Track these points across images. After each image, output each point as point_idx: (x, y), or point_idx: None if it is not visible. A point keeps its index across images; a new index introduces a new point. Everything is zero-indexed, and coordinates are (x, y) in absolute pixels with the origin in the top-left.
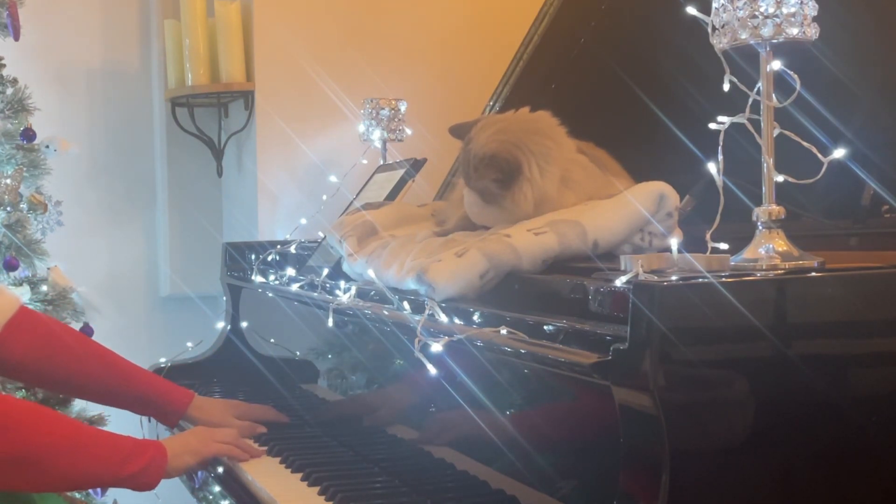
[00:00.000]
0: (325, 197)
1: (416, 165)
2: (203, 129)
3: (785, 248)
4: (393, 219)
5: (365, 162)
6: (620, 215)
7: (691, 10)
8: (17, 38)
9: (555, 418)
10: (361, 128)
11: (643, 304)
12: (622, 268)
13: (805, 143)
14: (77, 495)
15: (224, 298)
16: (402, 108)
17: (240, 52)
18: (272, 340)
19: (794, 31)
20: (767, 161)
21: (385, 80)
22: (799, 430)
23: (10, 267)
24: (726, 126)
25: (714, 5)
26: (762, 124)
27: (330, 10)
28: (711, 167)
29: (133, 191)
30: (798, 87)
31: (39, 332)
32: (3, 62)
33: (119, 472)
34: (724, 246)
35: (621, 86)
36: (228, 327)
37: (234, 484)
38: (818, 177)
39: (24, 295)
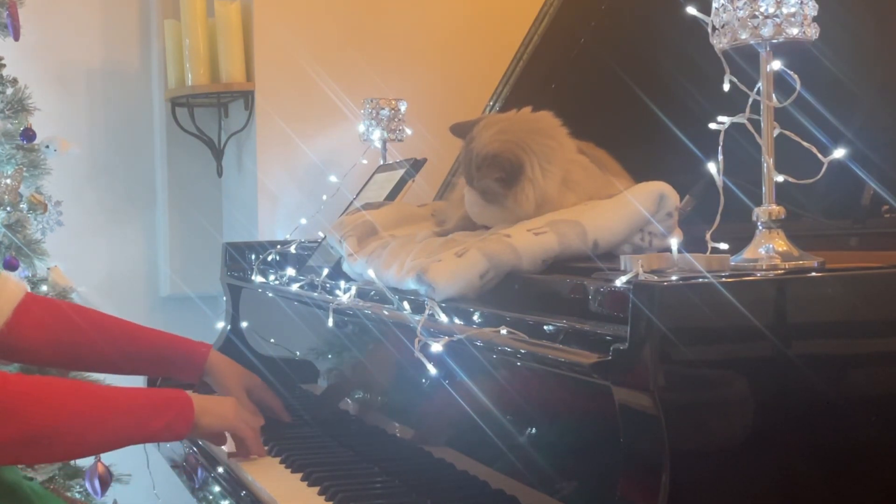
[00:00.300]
0: (325, 197)
1: (416, 165)
2: (203, 129)
3: (785, 248)
4: (393, 219)
5: (365, 162)
6: (620, 215)
7: (691, 10)
8: (17, 38)
9: (555, 418)
10: (361, 128)
11: (643, 304)
12: (622, 268)
13: (805, 143)
14: (77, 495)
15: (224, 298)
16: (402, 108)
17: (240, 52)
18: (272, 340)
19: (794, 31)
20: (767, 161)
21: (385, 80)
22: (799, 430)
23: (10, 267)
24: (726, 126)
25: (714, 5)
26: (762, 124)
27: (330, 10)
28: (711, 167)
29: (133, 191)
30: (798, 87)
31: (48, 313)
32: (3, 62)
33: (147, 429)
34: (724, 246)
35: (621, 86)
36: (228, 327)
37: (234, 484)
38: (818, 177)
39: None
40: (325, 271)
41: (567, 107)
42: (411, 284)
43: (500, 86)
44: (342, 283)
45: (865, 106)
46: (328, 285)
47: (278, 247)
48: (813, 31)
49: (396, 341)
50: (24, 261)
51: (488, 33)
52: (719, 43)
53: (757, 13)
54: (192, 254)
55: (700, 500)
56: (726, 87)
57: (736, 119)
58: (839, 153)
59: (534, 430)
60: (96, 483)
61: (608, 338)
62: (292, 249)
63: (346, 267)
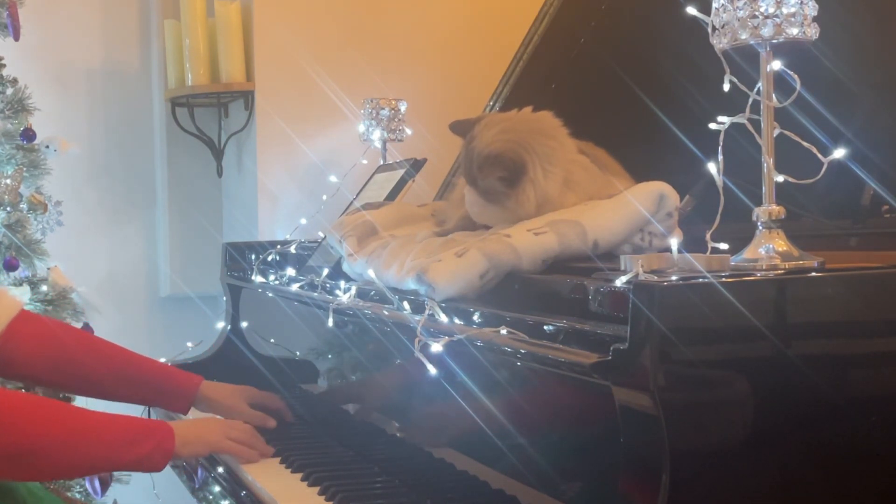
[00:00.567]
0: (325, 197)
1: (416, 165)
2: (203, 129)
3: (785, 248)
4: (393, 219)
5: (365, 162)
6: (620, 215)
7: (691, 10)
8: (17, 38)
9: (555, 418)
10: (361, 128)
11: (643, 304)
12: (622, 268)
13: (805, 143)
14: (77, 495)
15: (224, 298)
16: (402, 108)
17: (240, 52)
18: (272, 340)
19: (794, 31)
20: (767, 161)
21: (385, 80)
22: (799, 430)
23: (10, 267)
24: (726, 126)
25: (714, 5)
26: (762, 124)
27: (330, 10)
28: (711, 167)
29: (133, 191)
30: (798, 87)
31: (41, 332)
32: (3, 62)
33: (124, 457)
34: (724, 246)
35: (621, 86)
36: (228, 327)
37: (235, 484)
38: (818, 177)
39: (24, 295)
40: (325, 271)
41: (567, 107)
42: (411, 284)
43: (500, 86)
44: (342, 283)
45: (865, 106)
46: (328, 285)
47: (278, 247)
48: (813, 31)
49: (396, 341)
50: (24, 261)
51: (488, 33)
52: (719, 43)
53: (757, 13)
54: (192, 254)
55: (700, 500)
56: (726, 87)
57: (736, 119)
58: (839, 153)
59: (534, 430)
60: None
61: (608, 338)
62: (292, 249)
63: (346, 267)
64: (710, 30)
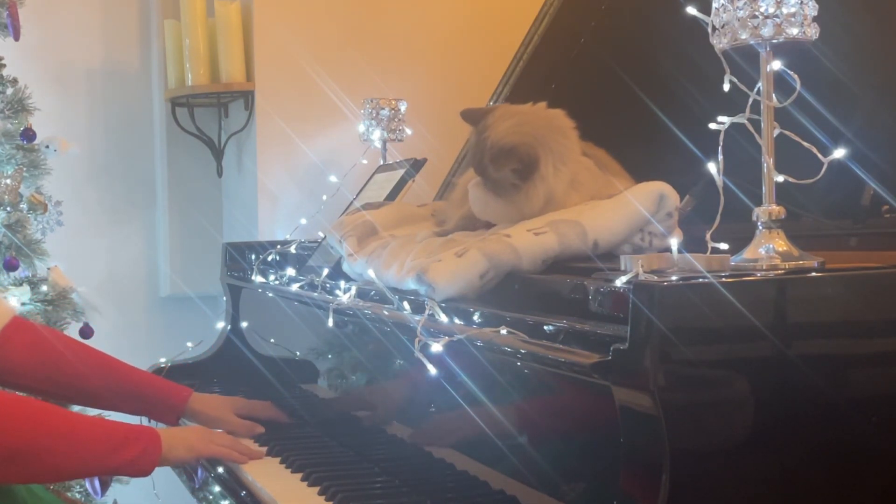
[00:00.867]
0: (325, 197)
1: (416, 165)
2: (203, 129)
3: (785, 248)
4: (393, 219)
5: (365, 162)
6: (620, 215)
7: (691, 10)
8: (17, 38)
9: (555, 418)
10: (361, 128)
11: (643, 304)
12: (622, 268)
13: (805, 143)
14: (77, 495)
15: (224, 298)
16: (402, 108)
17: (240, 52)
18: (272, 340)
19: (794, 31)
20: (767, 161)
21: (385, 80)
22: (799, 430)
23: (10, 267)
24: (726, 126)
25: (714, 5)
26: (762, 124)
27: (330, 10)
28: (711, 167)
29: (133, 191)
30: (798, 87)
31: (33, 340)
32: (3, 62)
33: (111, 462)
34: (724, 246)
35: (621, 86)
36: (228, 327)
37: (235, 484)
38: (818, 177)
39: (24, 295)
40: (325, 271)
41: (567, 107)
42: (411, 284)
43: (500, 86)
44: (342, 283)
45: (865, 106)
46: (328, 285)
47: (278, 247)
48: (813, 31)
49: (396, 341)
50: (24, 261)
51: (488, 33)
52: (719, 43)
53: (757, 13)
54: (192, 254)
55: (700, 499)
56: (726, 87)
57: (736, 119)
58: (839, 153)
59: (534, 430)
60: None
61: (608, 338)
62: (292, 249)
63: (346, 267)
64: (710, 30)
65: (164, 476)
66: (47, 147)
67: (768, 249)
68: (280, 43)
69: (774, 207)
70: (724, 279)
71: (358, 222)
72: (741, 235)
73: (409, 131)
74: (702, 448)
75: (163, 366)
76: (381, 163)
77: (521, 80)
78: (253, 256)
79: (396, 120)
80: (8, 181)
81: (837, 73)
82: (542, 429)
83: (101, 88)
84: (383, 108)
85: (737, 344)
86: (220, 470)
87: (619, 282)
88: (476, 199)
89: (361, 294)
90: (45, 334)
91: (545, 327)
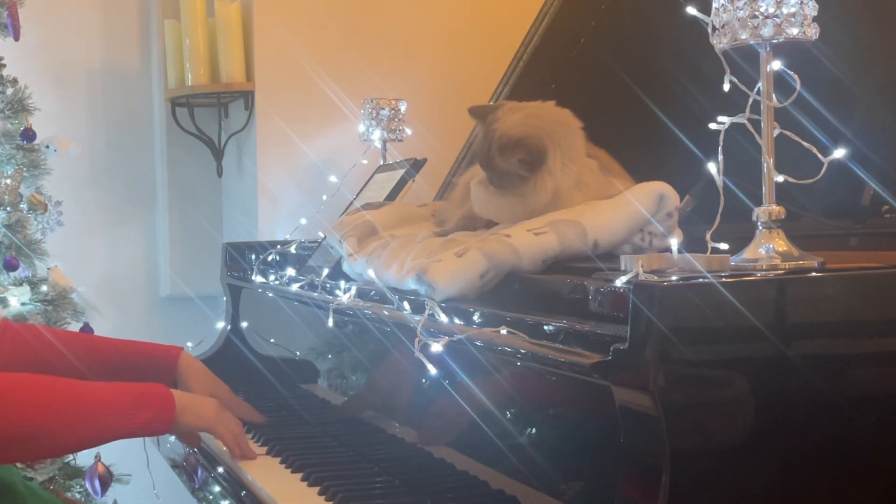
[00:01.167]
0: (325, 197)
1: (416, 165)
2: (203, 129)
3: (785, 248)
4: (393, 219)
5: (365, 162)
6: (620, 215)
7: (691, 10)
8: (17, 38)
9: (555, 418)
10: (361, 128)
11: (643, 304)
12: (622, 268)
13: (805, 143)
14: (77, 495)
15: (224, 298)
16: (402, 108)
17: (240, 52)
18: (272, 340)
19: (794, 31)
20: (767, 161)
21: (385, 80)
22: (799, 430)
23: (10, 267)
24: (726, 126)
25: (714, 5)
26: (762, 124)
27: (330, 11)
28: (711, 167)
29: (133, 191)
30: (798, 87)
31: (21, 337)
32: (3, 62)
33: (124, 428)
34: (724, 246)
35: (621, 86)
36: (228, 327)
37: (235, 484)
38: (818, 177)
39: (24, 295)
40: (325, 271)
41: (567, 107)
42: (411, 284)
43: (500, 86)
44: (342, 283)
45: (865, 106)
46: (328, 285)
47: (278, 247)
48: (813, 31)
49: (396, 341)
50: (24, 261)
51: (488, 33)
52: (719, 43)
53: (757, 13)
54: (192, 254)
55: (700, 500)
56: (726, 87)
57: (736, 119)
58: (839, 153)
59: (534, 430)
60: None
61: (608, 338)
62: (292, 249)
63: (346, 267)
64: (710, 30)
65: (164, 476)
66: (47, 147)
67: (768, 249)
68: (280, 43)
69: (774, 207)
70: (724, 279)
71: (358, 222)
72: (741, 235)
73: (409, 131)
74: (702, 448)
75: None
76: (381, 163)
77: (521, 80)
78: (253, 256)
79: (396, 120)
80: (8, 181)
81: (837, 73)
82: (542, 429)
83: (101, 88)
84: (383, 108)
85: (737, 344)
86: (220, 470)
87: (619, 282)
88: (478, 196)
89: (361, 294)
90: (24, 333)
91: (545, 327)
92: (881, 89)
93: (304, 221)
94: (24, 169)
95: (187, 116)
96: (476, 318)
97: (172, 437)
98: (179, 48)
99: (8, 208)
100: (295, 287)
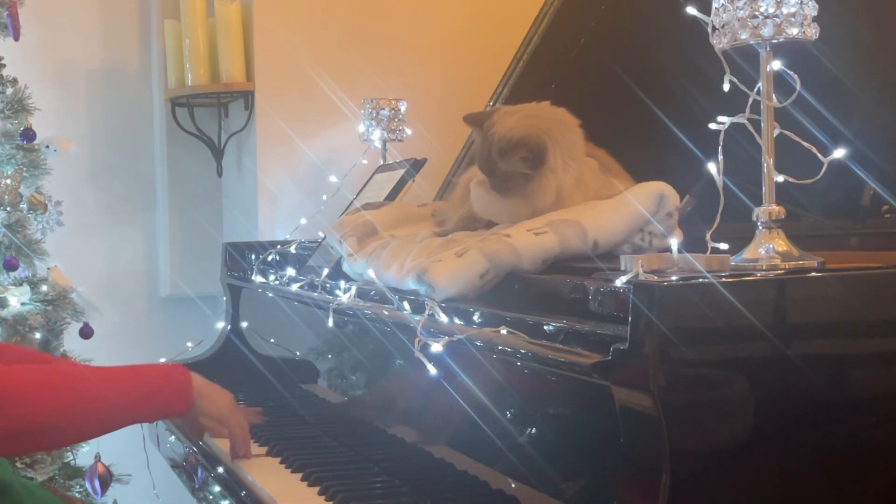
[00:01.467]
0: (325, 197)
1: (416, 165)
2: (203, 129)
3: (785, 248)
4: (393, 219)
5: (365, 162)
6: (620, 215)
7: (691, 10)
8: (17, 38)
9: (555, 418)
10: (361, 128)
11: (643, 304)
12: (622, 268)
13: (805, 143)
14: (77, 495)
15: (224, 298)
16: (402, 108)
17: (240, 52)
18: (272, 340)
19: (794, 31)
20: (767, 161)
21: (385, 80)
22: (799, 430)
23: (10, 267)
24: (726, 126)
25: (714, 5)
26: (762, 124)
27: (330, 11)
28: (711, 167)
29: (133, 191)
30: (798, 87)
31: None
32: (3, 62)
33: (143, 412)
34: (724, 246)
35: (621, 86)
36: (228, 327)
37: (235, 484)
38: (818, 177)
39: (24, 295)
40: (325, 271)
41: (567, 107)
42: (411, 284)
43: (500, 86)
44: (342, 283)
45: (865, 106)
46: (328, 285)
47: (278, 247)
48: (813, 31)
49: (396, 341)
50: (24, 261)
51: (488, 33)
52: (719, 43)
53: (757, 13)
54: (192, 254)
55: (700, 500)
56: (726, 87)
57: (736, 119)
58: (839, 153)
59: (534, 430)
60: (96, 483)
61: (608, 338)
62: (292, 249)
63: (346, 267)
64: (710, 30)
65: (164, 476)
66: (47, 147)
67: (768, 249)
68: (280, 43)
69: (774, 207)
70: (724, 279)
71: (358, 222)
72: (741, 235)
73: (409, 131)
74: (702, 448)
75: None
76: (381, 163)
77: (521, 80)
78: (253, 256)
79: (396, 120)
80: (8, 181)
81: (837, 73)
82: (541, 429)
83: (101, 88)
84: (383, 108)
85: (737, 344)
86: (220, 470)
87: (619, 282)
88: (478, 197)
89: (361, 294)
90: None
91: (545, 327)
92: (881, 89)
93: (304, 221)
94: (24, 169)
95: (187, 116)
96: (476, 318)
97: (172, 438)
98: (179, 48)
99: (8, 208)
100: (295, 287)
